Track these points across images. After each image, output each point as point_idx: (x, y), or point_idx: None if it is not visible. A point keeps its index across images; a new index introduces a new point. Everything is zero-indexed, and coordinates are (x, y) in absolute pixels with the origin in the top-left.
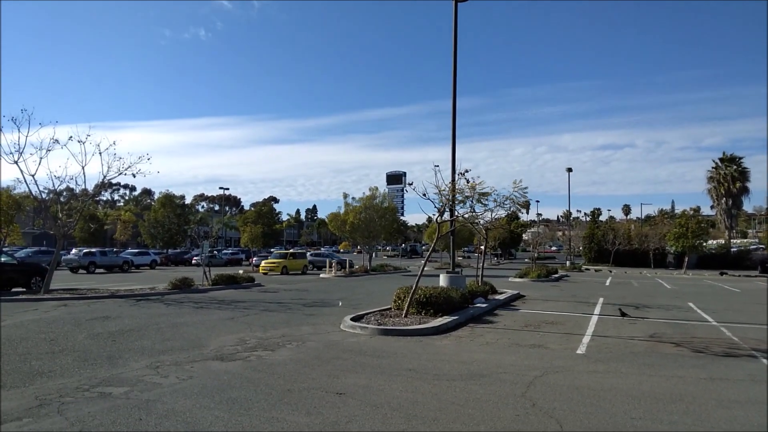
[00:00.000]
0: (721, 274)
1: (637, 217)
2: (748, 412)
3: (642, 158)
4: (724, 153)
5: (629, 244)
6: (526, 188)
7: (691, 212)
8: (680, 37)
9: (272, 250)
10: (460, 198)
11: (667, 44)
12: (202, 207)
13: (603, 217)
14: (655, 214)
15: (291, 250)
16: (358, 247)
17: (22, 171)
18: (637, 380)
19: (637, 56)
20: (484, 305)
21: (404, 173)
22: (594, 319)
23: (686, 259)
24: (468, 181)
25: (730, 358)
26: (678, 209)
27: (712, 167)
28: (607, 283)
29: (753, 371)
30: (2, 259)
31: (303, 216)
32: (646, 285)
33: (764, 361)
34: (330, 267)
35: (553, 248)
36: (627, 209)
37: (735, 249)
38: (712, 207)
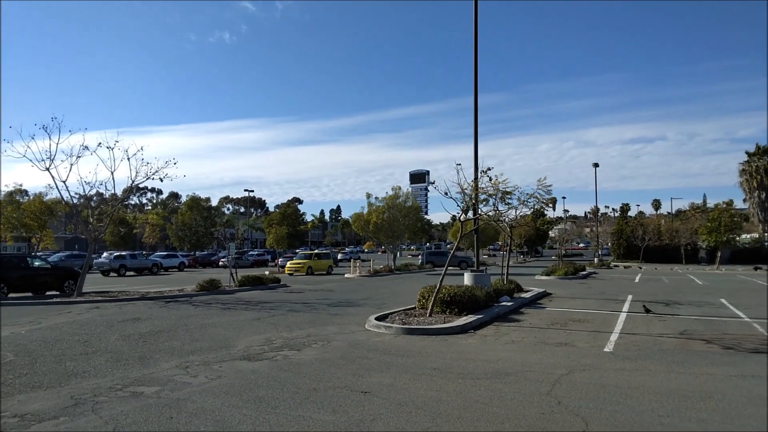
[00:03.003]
0: (755, 268)
1: (667, 212)
2: None
3: (673, 151)
4: (757, 145)
5: (659, 239)
6: (550, 185)
7: (724, 206)
8: (713, 26)
9: (297, 251)
10: (482, 197)
11: (700, 34)
12: (228, 209)
13: (632, 213)
14: (687, 209)
15: (316, 251)
16: (383, 247)
17: (53, 177)
18: (666, 378)
19: (669, 47)
20: (510, 303)
21: (427, 172)
22: (622, 316)
23: (719, 254)
24: (491, 179)
25: (762, 355)
26: (710, 203)
27: (745, 160)
28: (637, 280)
29: None
30: (36, 263)
31: (327, 216)
32: (677, 281)
33: None
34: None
35: (581, 245)
36: (657, 204)
37: None
38: (744, 200)
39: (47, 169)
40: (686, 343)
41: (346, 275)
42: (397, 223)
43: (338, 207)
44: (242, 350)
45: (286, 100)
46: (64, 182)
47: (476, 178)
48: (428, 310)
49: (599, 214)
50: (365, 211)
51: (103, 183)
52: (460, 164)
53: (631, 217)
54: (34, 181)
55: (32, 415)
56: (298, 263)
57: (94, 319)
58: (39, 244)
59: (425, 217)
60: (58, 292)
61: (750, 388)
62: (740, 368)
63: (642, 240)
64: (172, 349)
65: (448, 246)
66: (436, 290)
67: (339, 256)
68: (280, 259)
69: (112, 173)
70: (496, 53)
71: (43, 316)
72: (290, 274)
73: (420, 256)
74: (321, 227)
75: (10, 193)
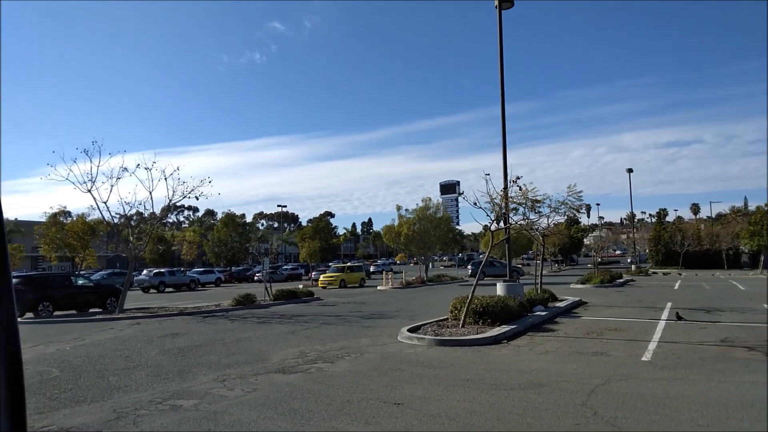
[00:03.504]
0: None
1: (707, 216)
2: None
3: (711, 154)
4: None
5: (699, 244)
6: (581, 192)
7: (766, 208)
8: (749, 25)
9: (330, 264)
10: (512, 206)
11: (734, 33)
12: (262, 225)
13: (670, 218)
14: (727, 212)
15: (348, 264)
16: (414, 259)
17: (95, 198)
18: (706, 387)
19: (701, 48)
20: (544, 313)
21: (458, 182)
22: (661, 324)
23: (762, 258)
24: (520, 188)
25: None
26: (752, 206)
27: None
28: (676, 287)
29: None
30: (80, 282)
31: (359, 229)
32: (718, 287)
33: None
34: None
35: (618, 252)
36: (696, 208)
37: None
38: None
39: (89, 191)
40: (727, 351)
41: (378, 287)
42: (428, 235)
43: (369, 220)
44: (277, 363)
45: (316, 117)
46: (105, 203)
47: (506, 187)
48: (461, 321)
49: (635, 220)
50: (396, 223)
51: (142, 203)
52: (488, 174)
53: (668, 222)
54: (76, 202)
55: (77, 428)
56: (331, 276)
57: (135, 335)
58: (82, 263)
59: (456, 227)
60: (100, 310)
61: None
62: None
63: (681, 246)
64: (209, 362)
65: (481, 256)
66: (468, 301)
67: (371, 269)
68: (313, 273)
69: (150, 193)
70: (524, 60)
71: (86, 332)
72: (323, 287)
73: (470, 267)
74: (353, 240)
75: (54, 215)
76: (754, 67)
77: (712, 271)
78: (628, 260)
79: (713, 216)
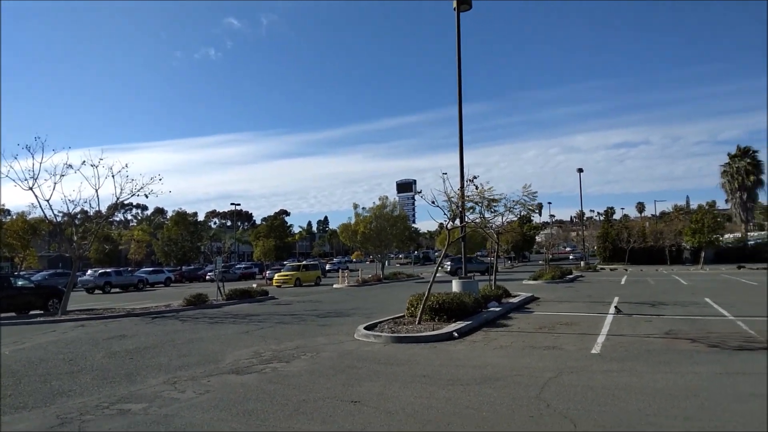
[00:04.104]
0: (739, 267)
1: (651, 215)
2: (765, 405)
3: (657, 155)
4: (738, 146)
5: (644, 241)
6: (535, 192)
7: (707, 207)
8: (695, 30)
9: (285, 262)
10: (469, 204)
11: (682, 38)
12: (215, 223)
13: (617, 216)
14: (670, 211)
15: (304, 262)
16: (371, 257)
17: (36, 196)
18: (652, 378)
19: (652, 52)
20: (498, 309)
21: (414, 181)
22: (609, 318)
23: (703, 254)
24: (477, 188)
25: (747, 352)
26: (693, 204)
27: (726, 162)
28: (623, 282)
29: None
30: (20, 282)
31: (315, 228)
32: (662, 282)
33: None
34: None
35: (568, 249)
36: (641, 207)
37: (752, 242)
38: (726, 201)
39: (30, 189)
40: (672, 343)
41: (334, 286)
42: (385, 233)
43: (326, 218)
44: (231, 364)
45: (272, 114)
46: (47, 201)
47: (462, 186)
48: (417, 318)
49: (585, 218)
50: (352, 221)
51: (88, 201)
52: (446, 173)
53: (615, 220)
54: (17, 200)
55: None
56: (286, 275)
57: (80, 338)
58: (22, 264)
59: (413, 225)
60: (42, 312)
61: (735, 385)
62: (725, 366)
63: (627, 242)
64: (159, 365)
65: (436, 254)
66: (424, 298)
67: (327, 267)
68: (267, 272)
69: (96, 191)
70: (481, 62)
71: (27, 335)
72: (278, 286)
73: (448, 264)
74: (309, 238)
75: None
76: (699, 71)
77: (656, 267)
78: (570, 257)
79: (657, 214)
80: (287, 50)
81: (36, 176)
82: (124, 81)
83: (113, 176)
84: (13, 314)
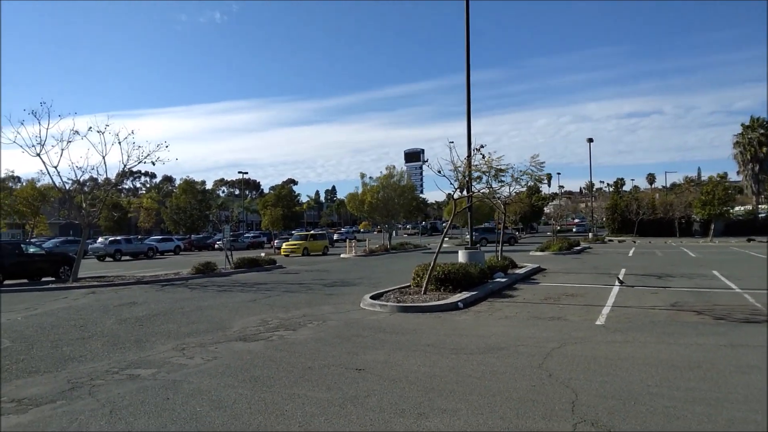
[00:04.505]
0: (749, 240)
1: (662, 186)
2: (766, 377)
3: (670, 125)
4: (752, 117)
5: (654, 213)
6: (543, 162)
7: (718, 179)
8: None
9: (293, 232)
10: (476, 174)
11: (697, 4)
12: (223, 192)
13: (627, 187)
14: (681, 182)
15: (311, 232)
16: (378, 227)
17: (44, 163)
18: (656, 349)
19: (665, 19)
20: (504, 280)
21: (422, 150)
22: (615, 290)
23: (712, 226)
24: (484, 157)
25: (752, 325)
26: (705, 176)
27: (739, 132)
28: (630, 254)
29: None
30: (31, 250)
31: (323, 197)
32: (670, 254)
33: None
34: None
35: (576, 220)
36: (651, 178)
37: (763, 215)
38: (738, 173)
39: (38, 155)
40: (677, 315)
41: (341, 255)
42: (392, 203)
43: (333, 188)
44: (238, 331)
45: (280, 81)
46: (55, 167)
47: (469, 155)
48: (423, 288)
49: (594, 189)
50: (360, 191)
51: (95, 168)
52: (453, 142)
53: (625, 191)
54: (25, 167)
55: (29, 399)
56: (294, 244)
57: (90, 304)
58: (33, 231)
59: (421, 195)
60: (53, 278)
61: (738, 357)
62: (730, 338)
63: (636, 214)
64: (168, 332)
65: (444, 224)
66: (430, 268)
67: (335, 237)
68: (275, 241)
69: (103, 158)
70: (492, 28)
71: (39, 302)
72: (286, 256)
73: (472, 235)
74: (316, 208)
75: (2, 180)
76: (713, 38)
77: (665, 239)
78: (573, 229)
79: (668, 186)
80: (295, 13)
81: (43, 142)
82: (127, 45)
83: (119, 143)
84: (26, 281)
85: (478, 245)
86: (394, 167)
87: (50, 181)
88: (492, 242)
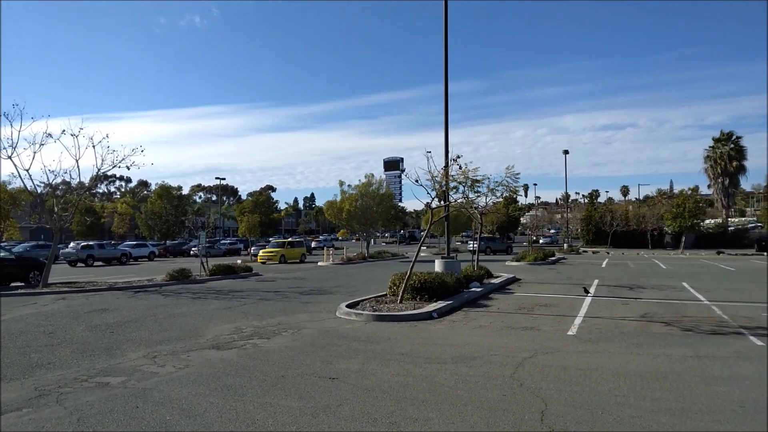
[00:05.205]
0: (718, 253)
1: (635, 198)
2: (729, 387)
3: (644, 138)
4: (722, 131)
5: (627, 225)
6: (518, 174)
7: (689, 192)
8: (684, 13)
9: (270, 239)
10: (453, 184)
11: (672, 21)
12: (200, 197)
13: (601, 199)
14: (654, 195)
15: (289, 239)
16: (356, 235)
17: (16, 166)
18: (625, 359)
19: (642, 35)
20: (479, 289)
21: (401, 159)
22: (587, 300)
23: (683, 238)
24: (461, 167)
25: (718, 336)
26: (677, 189)
27: (709, 146)
28: (604, 265)
29: (739, 348)
30: (0, 254)
31: (301, 204)
32: (642, 266)
33: (753, 339)
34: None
35: (551, 231)
36: (625, 190)
37: (732, 228)
38: (709, 186)
39: (9, 158)
40: (646, 326)
41: (319, 263)
42: (371, 211)
43: (312, 195)
44: (211, 339)
45: (260, 86)
46: (27, 171)
47: (446, 165)
48: (399, 297)
49: (569, 200)
50: (338, 198)
51: (68, 171)
52: (430, 152)
53: (600, 203)
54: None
55: None
56: (271, 252)
57: (60, 310)
58: (3, 235)
59: (399, 204)
60: (22, 284)
61: (704, 369)
62: (696, 350)
63: (610, 226)
64: (139, 339)
65: (422, 233)
66: (406, 277)
67: (313, 244)
68: (252, 248)
69: (76, 161)
70: (472, 40)
71: (7, 308)
72: (263, 263)
73: (472, 243)
74: (294, 215)
75: None
76: (689, 54)
77: (638, 251)
78: (540, 241)
79: (641, 198)
80: (275, 20)
81: (15, 145)
82: (105, 48)
83: (93, 146)
84: None
85: (455, 255)
86: (372, 175)
87: (21, 184)
88: (496, 251)
